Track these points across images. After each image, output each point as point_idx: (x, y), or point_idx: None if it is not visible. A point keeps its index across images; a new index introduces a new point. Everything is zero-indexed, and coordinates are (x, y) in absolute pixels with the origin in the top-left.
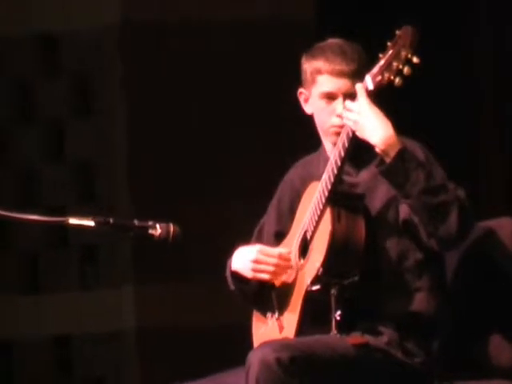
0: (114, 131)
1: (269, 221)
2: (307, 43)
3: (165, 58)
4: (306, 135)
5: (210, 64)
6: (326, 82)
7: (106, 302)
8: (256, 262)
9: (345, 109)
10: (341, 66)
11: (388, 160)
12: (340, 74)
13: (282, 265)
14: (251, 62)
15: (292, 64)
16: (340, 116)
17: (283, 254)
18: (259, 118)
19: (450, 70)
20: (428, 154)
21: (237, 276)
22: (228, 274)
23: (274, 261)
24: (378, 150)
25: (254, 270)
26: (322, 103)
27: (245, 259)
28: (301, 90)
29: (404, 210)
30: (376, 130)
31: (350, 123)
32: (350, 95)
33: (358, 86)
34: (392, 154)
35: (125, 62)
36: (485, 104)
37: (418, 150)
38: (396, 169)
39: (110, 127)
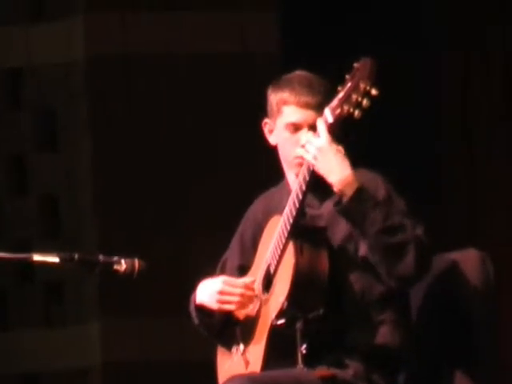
0: (78, 166)
1: (232, 255)
2: (271, 77)
3: (130, 92)
4: (270, 168)
5: (175, 99)
6: (292, 113)
7: (72, 338)
8: (221, 293)
9: (306, 141)
10: (307, 97)
11: (345, 199)
12: (306, 106)
13: (248, 294)
14: (216, 97)
15: (256, 98)
16: (303, 146)
17: (248, 283)
18: (223, 151)
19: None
20: (390, 190)
21: (201, 309)
22: (192, 308)
23: (239, 291)
24: (335, 189)
25: (220, 302)
26: (287, 134)
27: (210, 291)
28: (265, 120)
29: (363, 247)
30: (333, 169)
31: (309, 157)
32: (315, 128)
33: (319, 121)
34: (349, 193)
35: (89, 97)
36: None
37: (379, 185)
38: (353, 209)
39: (75, 162)
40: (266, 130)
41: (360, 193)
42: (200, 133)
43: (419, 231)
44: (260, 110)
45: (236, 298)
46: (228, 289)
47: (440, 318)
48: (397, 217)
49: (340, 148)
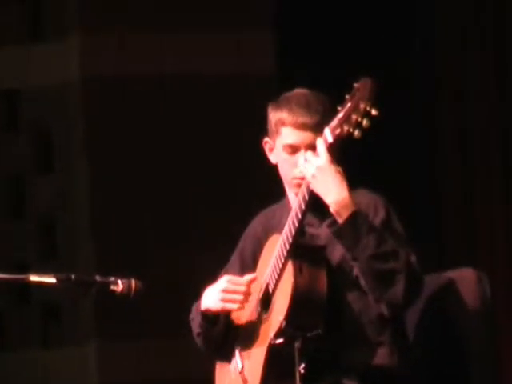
0: (75, 187)
1: (232, 269)
2: (268, 98)
3: (126, 114)
4: (269, 186)
5: (172, 119)
6: (290, 135)
7: (69, 360)
8: (225, 291)
9: (305, 160)
10: (304, 118)
11: (340, 221)
12: (303, 127)
13: (250, 292)
14: (213, 117)
15: (252, 119)
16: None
17: (251, 280)
18: (222, 170)
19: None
20: (389, 213)
21: (206, 316)
22: (193, 316)
23: (243, 288)
24: (331, 209)
25: (224, 300)
26: (285, 155)
27: (213, 291)
28: (266, 139)
29: (356, 269)
30: (331, 189)
31: (307, 175)
32: (313, 148)
33: (319, 141)
34: (344, 216)
35: (85, 118)
36: (447, 153)
37: (378, 208)
38: (346, 232)
39: (72, 183)
40: (266, 148)
41: (355, 217)
42: (197, 153)
43: (413, 259)
44: (258, 131)
45: (240, 297)
46: (232, 287)
47: (437, 336)
48: (391, 243)
49: (339, 169)
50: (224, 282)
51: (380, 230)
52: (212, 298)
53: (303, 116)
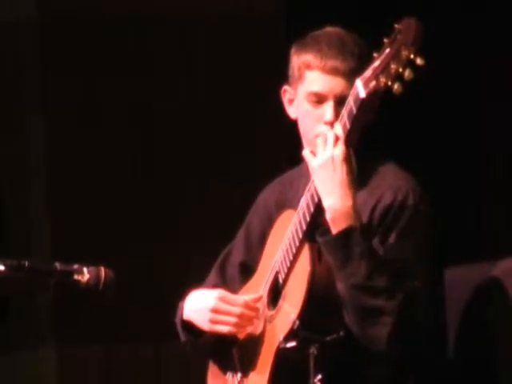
0: (28, 153)
1: (236, 248)
2: (270, 41)
3: (96, 62)
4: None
5: (155, 70)
6: (316, 80)
7: (21, 367)
8: (215, 311)
9: (323, 140)
10: (336, 61)
11: (333, 232)
12: (333, 72)
13: (248, 315)
14: (206, 68)
15: (251, 71)
16: (328, 123)
17: (250, 302)
18: (216, 141)
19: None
20: (414, 219)
21: (188, 326)
22: (178, 320)
23: (238, 310)
24: (326, 215)
25: (213, 321)
26: (308, 105)
27: (201, 307)
28: (285, 87)
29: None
30: (333, 192)
31: (312, 163)
32: (344, 100)
33: (337, 128)
34: (339, 228)
35: (43, 66)
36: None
37: (405, 206)
38: (335, 248)
39: (24, 148)
40: (285, 99)
41: (351, 233)
42: (189, 118)
43: (413, 301)
44: (254, 85)
45: (233, 319)
46: (224, 307)
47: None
48: (387, 278)
49: (352, 167)
50: (214, 298)
51: (379, 258)
52: (198, 313)
53: (334, 58)
